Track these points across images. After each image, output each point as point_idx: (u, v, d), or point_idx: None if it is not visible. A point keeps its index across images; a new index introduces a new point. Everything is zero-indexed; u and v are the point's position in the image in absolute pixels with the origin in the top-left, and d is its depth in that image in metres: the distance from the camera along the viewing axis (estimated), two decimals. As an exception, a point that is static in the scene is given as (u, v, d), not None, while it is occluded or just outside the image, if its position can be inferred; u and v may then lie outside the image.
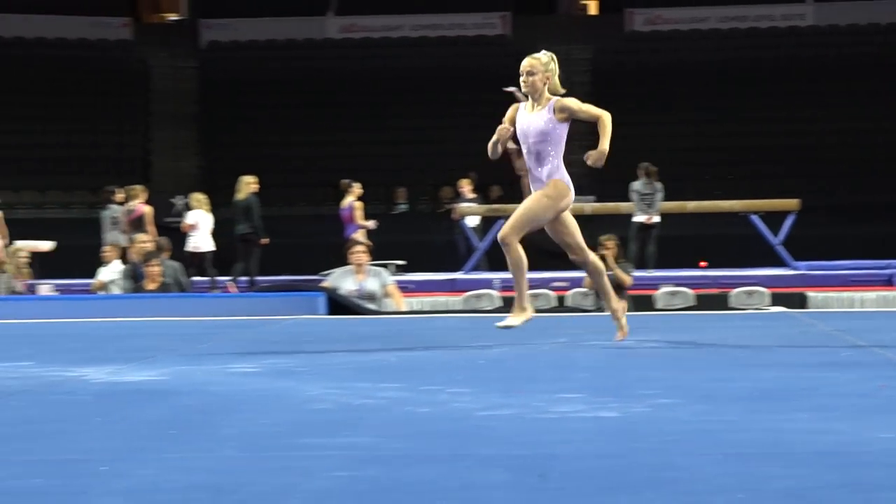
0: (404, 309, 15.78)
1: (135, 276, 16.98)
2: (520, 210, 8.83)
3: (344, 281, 15.00)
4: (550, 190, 8.70)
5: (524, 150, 8.90)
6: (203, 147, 35.17)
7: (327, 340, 9.85)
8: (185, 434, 5.18)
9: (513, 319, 8.83)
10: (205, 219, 20.95)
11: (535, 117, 8.75)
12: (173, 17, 42.81)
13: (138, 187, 21.31)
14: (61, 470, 4.36)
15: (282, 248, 21.96)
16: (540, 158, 8.77)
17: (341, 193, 21.76)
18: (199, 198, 21.33)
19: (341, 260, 15.98)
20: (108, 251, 19.29)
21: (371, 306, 14.40)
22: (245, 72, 36.45)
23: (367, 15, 38.51)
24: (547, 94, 8.78)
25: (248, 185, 20.76)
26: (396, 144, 34.24)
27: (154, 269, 16.15)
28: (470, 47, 37.81)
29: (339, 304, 13.54)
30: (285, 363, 7.80)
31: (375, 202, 27.01)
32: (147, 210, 20.59)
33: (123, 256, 19.18)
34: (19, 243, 20.78)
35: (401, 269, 22.04)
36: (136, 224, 20.16)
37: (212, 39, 38.67)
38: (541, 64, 8.79)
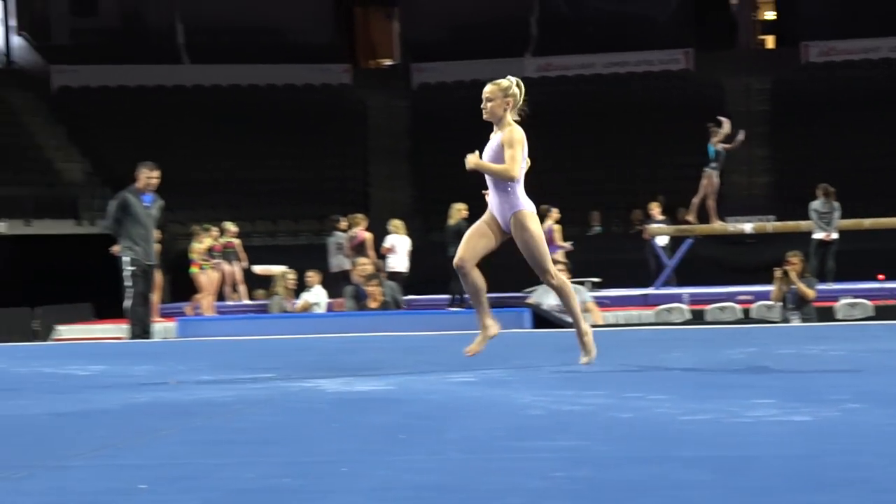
0: (601, 322, 15.75)
1: (357, 296, 17.26)
2: (530, 257, 8.17)
3: (547, 297, 15.03)
4: (521, 226, 8.08)
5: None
6: (415, 178, 35.58)
7: (534, 352, 9.87)
8: (412, 438, 5.22)
9: (587, 357, 8.20)
10: (402, 242, 21.20)
11: (493, 142, 8.18)
12: (388, 62, 43.55)
13: (359, 216, 21.73)
14: (307, 471, 4.45)
15: (489, 267, 22.03)
16: (495, 182, 8.16)
17: (541, 217, 21.77)
18: (396, 224, 21.60)
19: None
20: (310, 276, 19.73)
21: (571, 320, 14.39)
22: (452, 109, 36.77)
23: (562, 55, 38.64)
24: (508, 120, 8.10)
25: (458, 212, 20.95)
26: (591, 171, 34.26)
27: (375, 289, 16.39)
28: (656, 81, 37.64)
29: (542, 319, 13.58)
30: (498, 374, 7.83)
31: (572, 225, 26.96)
32: (367, 236, 20.96)
33: (347, 278, 19.55)
34: (256, 268, 21.36)
35: (596, 286, 22.03)
36: (358, 249, 20.55)
37: (422, 81, 39.30)
38: (500, 90, 8.10)
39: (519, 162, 8.01)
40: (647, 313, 19.32)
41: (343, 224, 21.77)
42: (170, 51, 39.53)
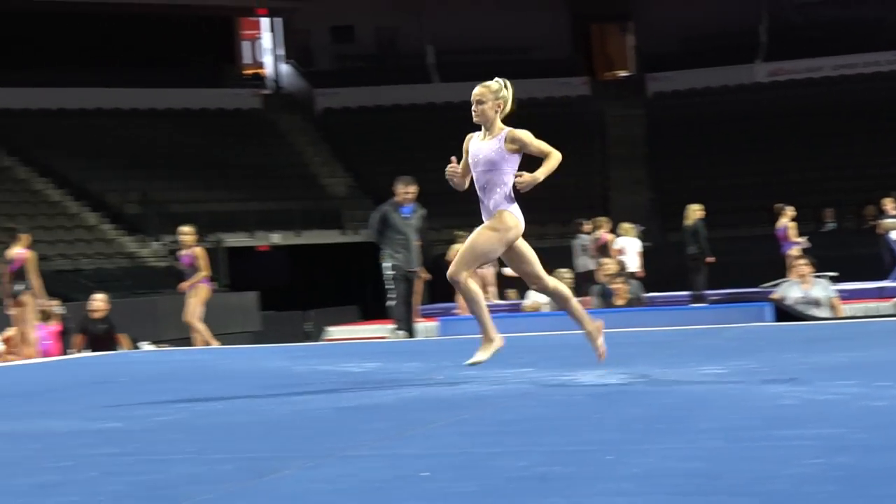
0: (842, 315, 15.33)
1: (604, 295, 17.14)
2: (467, 245, 7.49)
3: (791, 290, 14.72)
4: (497, 222, 7.35)
5: (474, 180, 7.51)
6: (653, 182, 35.31)
7: (780, 344, 9.60)
8: (670, 427, 5.14)
9: (481, 354, 7.48)
10: (631, 244, 21.01)
11: (486, 146, 7.41)
12: (623, 73, 43.30)
13: (602, 219, 21.65)
14: (574, 459, 4.40)
15: (725, 265, 21.75)
16: (488, 188, 7.40)
17: (775, 216, 21.39)
18: (625, 227, 21.44)
19: (779, 274, 15.65)
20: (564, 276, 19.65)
21: (815, 312, 14.06)
22: (686, 116, 36.46)
23: (791, 59, 37.85)
24: (499, 124, 7.43)
25: (694, 212, 20.70)
26: (822, 170, 33.43)
27: (621, 287, 16.27)
28: (884, 82, 36.44)
29: (784, 312, 13.26)
30: (747, 364, 7.64)
31: (806, 222, 26.30)
32: (610, 238, 20.85)
33: (591, 278, 19.44)
34: (505, 270, 21.43)
35: (833, 280, 21.45)
36: (602, 250, 20.45)
37: (656, 90, 39.08)
38: (490, 92, 7.44)
39: (545, 146, 7.35)
40: (885, 305, 18.67)
41: (587, 227, 21.75)
42: (421, 71, 40.15)
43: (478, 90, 7.41)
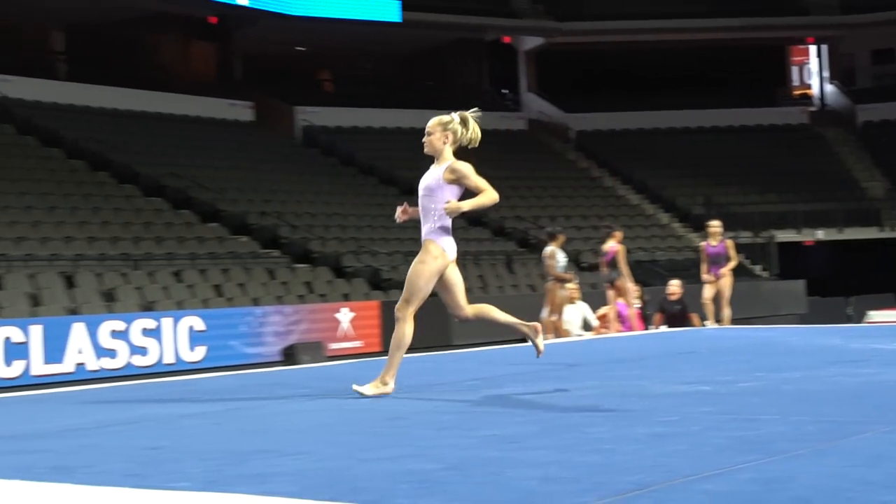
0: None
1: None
2: (406, 282, 6.68)
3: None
4: (422, 254, 6.63)
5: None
6: None
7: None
8: None
9: (368, 389, 6.64)
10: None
11: (429, 174, 6.75)
12: None
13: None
14: None
15: None
16: (424, 215, 6.71)
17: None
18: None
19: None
20: None
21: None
22: None
23: None
24: (447, 155, 6.69)
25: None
26: None
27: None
28: None
29: None
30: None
31: None
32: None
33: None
34: None
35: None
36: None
37: None
38: (439, 125, 6.73)
39: (488, 184, 6.61)
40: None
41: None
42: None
43: (429, 122, 6.84)
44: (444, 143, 6.75)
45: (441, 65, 35.46)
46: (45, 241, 18.18)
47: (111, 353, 14.35)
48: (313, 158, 28.95)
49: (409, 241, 23.94)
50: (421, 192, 6.76)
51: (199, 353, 15.34)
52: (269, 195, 24.16)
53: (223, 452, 4.60)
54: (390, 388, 6.68)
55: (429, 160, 6.85)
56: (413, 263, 6.70)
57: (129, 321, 14.72)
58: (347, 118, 31.18)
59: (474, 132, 6.78)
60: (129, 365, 14.46)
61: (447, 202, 6.57)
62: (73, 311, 15.56)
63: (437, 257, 6.63)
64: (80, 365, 13.99)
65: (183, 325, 15.26)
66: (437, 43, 34.43)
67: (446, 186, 6.65)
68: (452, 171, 6.64)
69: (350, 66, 35.89)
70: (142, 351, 14.69)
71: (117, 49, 29.94)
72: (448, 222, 6.69)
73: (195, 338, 15.34)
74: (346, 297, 19.25)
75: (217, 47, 32.15)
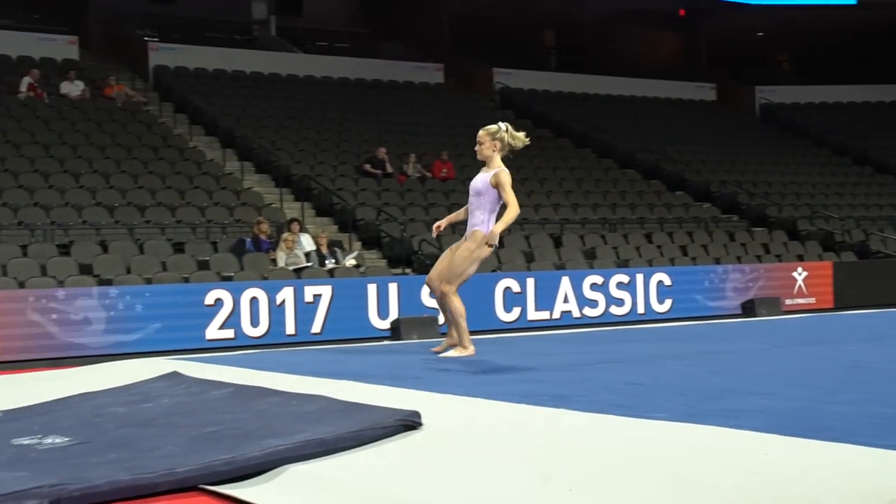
0: None
1: None
2: (446, 263, 6.75)
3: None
4: (470, 241, 6.71)
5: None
6: None
7: None
8: None
9: (455, 353, 6.74)
10: None
11: (479, 178, 6.79)
12: None
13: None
14: None
15: None
16: (472, 212, 6.78)
17: None
18: None
19: None
20: None
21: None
22: None
23: None
24: (496, 161, 6.72)
25: None
26: None
27: None
28: None
29: None
30: None
31: None
32: None
33: None
34: None
35: None
36: None
37: None
38: (488, 134, 6.76)
39: (514, 198, 6.63)
40: None
41: None
42: None
43: (480, 133, 6.80)
44: (493, 150, 6.80)
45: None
46: (538, 207, 18.96)
47: (592, 304, 14.70)
48: (770, 133, 28.01)
49: (861, 206, 22.46)
50: (471, 192, 6.82)
51: (667, 305, 15.36)
52: (729, 166, 23.67)
53: (697, 389, 4.59)
54: (471, 349, 6.83)
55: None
56: (461, 248, 6.78)
57: (607, 276, 14.99)
58: (803, 95, 29.95)
59: (519, 139, 6.88)
60: (606, 314, 14.75)
61: (489, 232, 6.64)
62: (560, 267, 16.12)
63: (482, 246, 6.70)
64: (566, 313, 14.46)
65: (653, 281, 15.33)
66: (891, 21, 31.83)
67: (491, 190, 6.72)
68: (496, 177, 6.71)
69: (805, 47, 34.20)
70: (618, 302, 14.93)
71: (598, 42, 30.78)
72: (493, 218, 6.77)
73: (663, 291, 15.36)
74: (800, 258, 18.51)
75: (684, 36, 32.13)
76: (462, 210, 7.07)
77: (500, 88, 25.77)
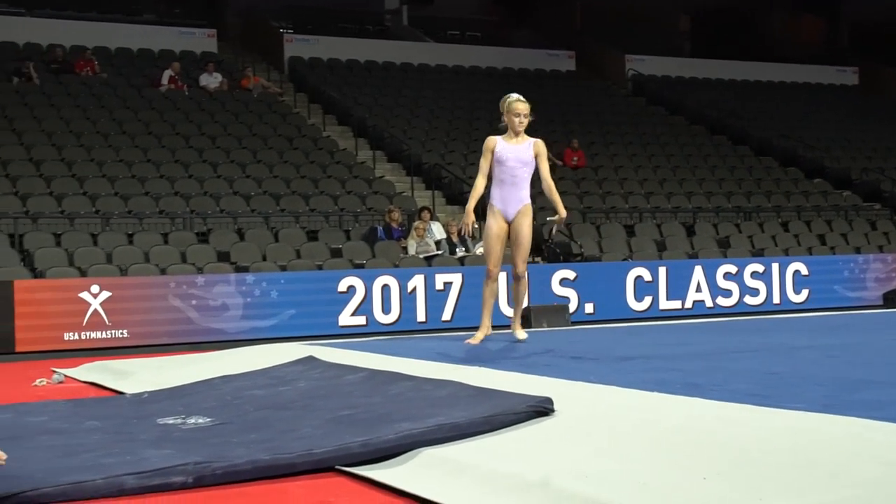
0: None
1: None
2: (522, 242, 6.82)
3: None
4: (527, 214, 6.89)
5: (502, 178, 6.82)
6: None
7: None
8: None
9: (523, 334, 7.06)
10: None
11: (519, 149, 6.85)
12: None
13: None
14: None
15: None
16: (517, 183, 6.85)
17: None
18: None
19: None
20: None
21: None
22: None
23: None
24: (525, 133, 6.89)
25: None
26: None
27: None
28: None
29: None
30: None
31: None
32: None
33: None
34: None
35: None
36: None
37: None
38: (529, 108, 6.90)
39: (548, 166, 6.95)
40: None
41: None
42: None
43: (526, 106, 6.90)
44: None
45: None
46: (670, 195, 18.67)
47: (725, 293, 14.43)
48: (917, 118, 26.90)
49: None
50: (517, 164, 6.81)
51: (803, 295, 14.95)
52: (871, 152, 22.81)
53: (837, 380, 4.48)
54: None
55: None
56: (523, 225, 6.83)
57: (741, 265, 14.69)
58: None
59: None
60: (740, 303, 14.46)
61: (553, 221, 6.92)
62: (693, 256, 15.86)
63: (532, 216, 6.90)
64: (699, 302, 14.23)
65: (789, 270, 14.94)
66: None
67: (534, 161, 6.89)
68: (538, 147, 6.91)
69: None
70: (752, 292, 14.61)
71: (734, 26, 30.04)
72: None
73: (800, 281, 14.96)
74: (946, 250, 17.75)
75: (825, 19, 31.00)
76: (480, 191, 6.92)
77: (633, 75, 25.45)
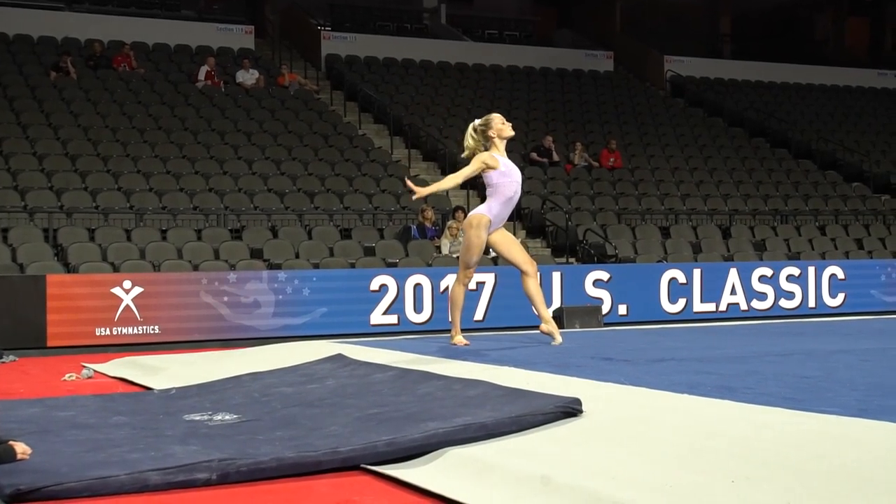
0: None
1: None
2: (517, 242, 6.97)
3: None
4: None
5: (510, 195, 6.83)
6: None
7: None
8: None
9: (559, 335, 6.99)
10: None
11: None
12: None
13: None
14: None
15: None
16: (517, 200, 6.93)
17: None
18: None
19: None
20: None
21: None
22: None
23: None
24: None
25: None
26: None
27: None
28: None
29: None
30: None
31: None
32: None
33: None
34: None
35: None
36: None
37: None
38: None
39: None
40: None
41: None
42: None
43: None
44: None
45: None
46: (707, 197, 18.52)
47: (761, 296, 14.29)
48: (961, 122, 26.50)
49: None
50: (519, 181, 6.94)
51: (839, 299, 14.78)
52: (913, 157, 22.54)
53: (872, 385, 4.41)
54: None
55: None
56: (512, 239, 7.00)
57: (776, 268, 14.53)
58: None
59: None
60: (775, 307, 14.31)
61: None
62: (728, 258, 15.72)
63: None
64: (733, 305, 14.10)
65: (825, 274, 14.77)
66: None
67: None
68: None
69: None
70: (787, 295, 14.46)
71: (777, 29, 29.76)
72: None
73: (836, 285, 14.78)
74: None
75: (869, 22, 30.64)
76: (448, 188, 7.18)
77: (672, 76, 25.27)
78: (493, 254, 14.15)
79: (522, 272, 6.89)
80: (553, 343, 7.00)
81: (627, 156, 19.64)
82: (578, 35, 27.09)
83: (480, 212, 6.89)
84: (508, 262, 7.03)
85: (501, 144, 6.94)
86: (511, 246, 6.96)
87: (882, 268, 15.38)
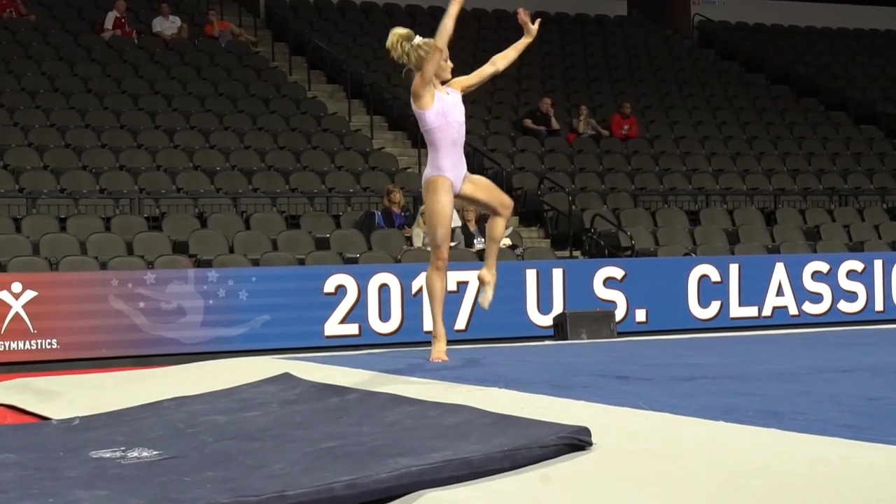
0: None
1: None
2: (490, 183, 7.17)
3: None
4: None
5: (453, 137, 6.94)
6: None
7: None
8: None
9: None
10: None
11: (456, 100, 6.99)
12: None
13: None
14: None
15: None
16: (461, 142, 7.02)
17: None
18: None
19: None
20: None
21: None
22: None
23: None
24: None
25: None
26: None
27: None
28: None
29: None
30: None
31: None
32: None
33: None
34: None
35: None
36: None
37: None
38: None
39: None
40: None
41: None
42: None
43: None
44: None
45: None
46: (745, 173, 18.65)
47: (815, 298, 14.39)
48: None
49: None
50: (462, 122, 7.06)
51: (913, 300, 14.93)
52: None
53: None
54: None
55: None
56: (477, 176, 7.19)
57: (834, 263, 14.64)
58: None
59: None
60: (833, 310, 14.41)
61: None
62: (774, 250, 15.82)
63: None
64: (780, 309, 14.20)
65: (895, 269, 14.88)
66: None
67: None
68: (462, 84, 7.30)
69: None
70: (849, 296, 14.56)
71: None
72: None
73: (910, 283, 14.92)
74: None
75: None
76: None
77: (699, 22, 25.39)
78: (477, 246, 14.17)
79: (496, 213, 6.99)
80: (481, 301, 6.91)
81: (645, 122, 19.72)
82: (583, -30, 27.18)
83: (431, 174, 6.87)
84: (489, 210, 7.08)
85: (445, 69, 7.09)
86: (490, 191, 7.07)
87: (967, 261, 15.49)
